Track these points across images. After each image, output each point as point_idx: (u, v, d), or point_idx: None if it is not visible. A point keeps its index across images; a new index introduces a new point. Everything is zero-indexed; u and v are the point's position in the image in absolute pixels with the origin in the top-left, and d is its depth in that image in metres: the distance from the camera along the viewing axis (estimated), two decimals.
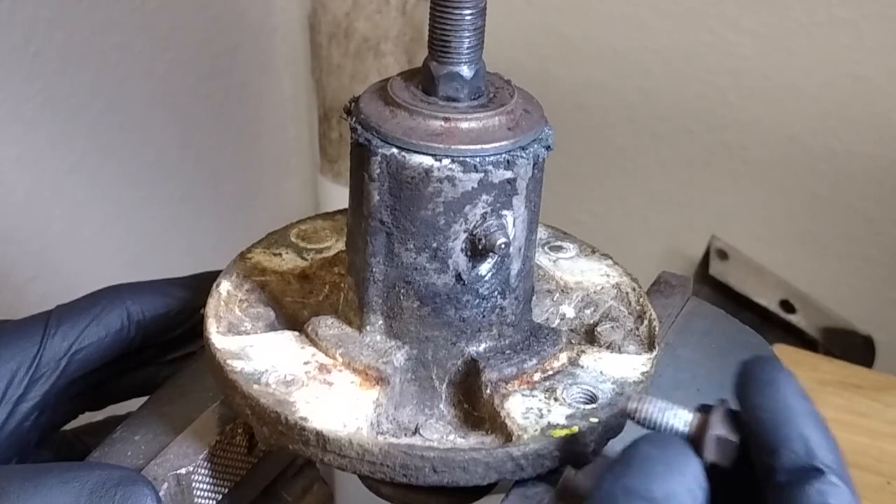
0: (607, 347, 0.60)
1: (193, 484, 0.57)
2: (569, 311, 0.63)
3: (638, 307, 0.63)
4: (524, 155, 0.54)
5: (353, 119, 0.55)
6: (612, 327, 0.61)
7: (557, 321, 0.62)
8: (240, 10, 1.38)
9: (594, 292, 0.64)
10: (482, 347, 0.57)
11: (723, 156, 1.38)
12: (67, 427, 0.69)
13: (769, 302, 1.34)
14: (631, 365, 0.58)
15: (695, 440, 0.48)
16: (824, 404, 1.04)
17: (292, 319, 0.61)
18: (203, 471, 0.58)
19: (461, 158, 0.52)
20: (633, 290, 0.64)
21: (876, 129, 1.27)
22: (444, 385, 0.57)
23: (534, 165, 0.54)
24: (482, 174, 0.53)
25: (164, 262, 1.35)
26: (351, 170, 0.56)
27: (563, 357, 0.58)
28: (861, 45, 1.25)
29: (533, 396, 0.56)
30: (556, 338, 0.59)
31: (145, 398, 0.65)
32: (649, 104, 1.40)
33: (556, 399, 0.55)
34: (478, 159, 0.53)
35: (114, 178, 1.25)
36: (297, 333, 0.59)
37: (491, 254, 0.55)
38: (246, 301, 0.62)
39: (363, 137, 0.54)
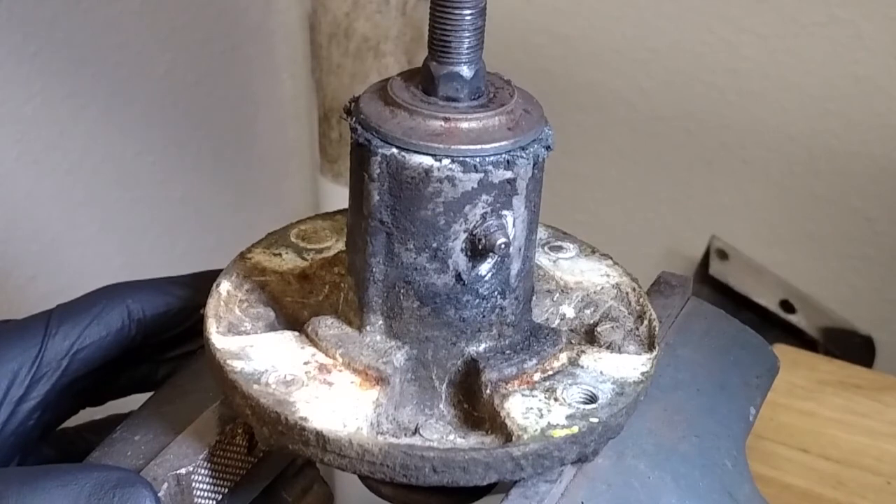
0: (607, 347, 0.60)
1: (193, 484, 0.57)
2: (569, 311, 0.63)
3: (638, 307, 0.63)
4: (524, 155, 0.54)
5: (353, 119, 0.55)
6: (612, 327, 0.61)
7: (557, 321, 0.62)
8: (240, 10, 1.38)
9: (594, 292, 0.64)
10: (482, 347, 0.57)
11: (723, 156, 1.38)
12: (70, 424, 0.69)
13: (769, 302, 1.34)
14: (631, 365, 0.58)
15: None
16: (824, 404, 1.05)
17: (292, 319, 0.61)
18: (203, 471, 0.58)
19: (461, 158, 0.52)
20: (633, 290, 0.64)
21: (876, 129, 1.28)
22: (444, 385, 0.57)
23: (534, 165, 0.54)
24: (482, 174, 0.53)
25: (164, 262, 1.35)
26: (351, 170, 0.56)
27: (563, 357, 0.58)
28: (861, 45, 1.25)
29: (533, 396, 0.56)
30: (556, 338, 0.59)
31: (144, 395, 0.65)
32: (649, 104, 1.40)
33: (556, 399, 0.55)
34: (478, 159, 0.53)
35: (114, 178, 1.25)
36: (297, 333, 0.59)
37: (491, 254, 0.55)
38: (246, 301, 0.62)
39: (363, 137, 0.54)
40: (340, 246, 0.65)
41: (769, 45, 1.30)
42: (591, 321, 0.62)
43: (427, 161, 0.52)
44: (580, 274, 0.66)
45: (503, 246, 0.54)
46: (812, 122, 1.31)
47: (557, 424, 0.54)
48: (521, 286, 0.58)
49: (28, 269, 1.17)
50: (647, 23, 1.36)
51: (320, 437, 0.52)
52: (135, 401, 0.65)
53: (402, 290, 0.56)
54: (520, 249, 0.56)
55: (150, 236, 1.34)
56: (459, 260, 0.55)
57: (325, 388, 0.55)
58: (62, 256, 1.21)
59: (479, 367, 0.56)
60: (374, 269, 0.56)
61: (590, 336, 0.61)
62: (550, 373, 0.57)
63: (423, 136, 0.53)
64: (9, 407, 0.61)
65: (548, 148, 0.55)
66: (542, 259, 0.66)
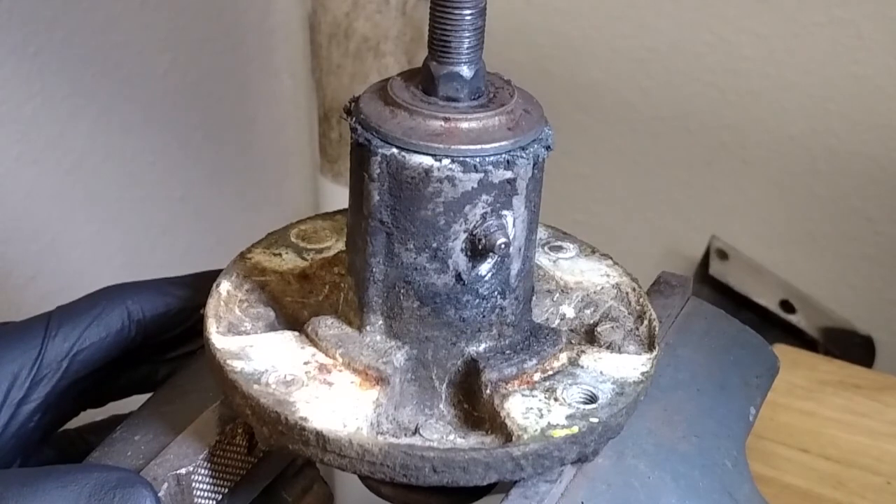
0: (607, 347, 0.60)
1: (193, 484, 0.57)
2: (569, 311, 0.63)
3: (638, 307, 0.63)
4: (524, 155, 0.54)
5: (353, 119, 0.55)
6: (612, 327, 0.61)
7: (557, 321, 0.62)
8: (240, 10, 1.38)
9: (594, 292, 0.64)
10: (482, 347, 0.57)
11: (723, 156, 1.38)
12: (71, 425, 0.69)
13: (769, 302, 1.34)
14: (631, 365, 0.58)
15: None
16: (824, 404, 1.05)
17: (292, 319, 0.61)
18: (203, 471, 0.58)
19: (461, 158, 0.52)
20: (633, 290, 0.64)
21: (876, 129, 1.28)
22: (444, 385, 0.57)
23: (534, 165, 0.54)
24: (482, 174, 0.53)
25: (164, 262, 1.35)
26: (351, 170, 0.56)
27: (563, 357, 0.58)
28: (861, 45, 1.25)
29: (533, 396, 0.56)
30: (556, 338, 0.59)
31: (144, 395, 0.65)
32: (649, 104, 1.40)
33: (556, 399, 0.55)
34: (478, 159, 0.53)
35: (114, 178, 1.25)
36: (297, 333, 0.59)
37: (491, 254, 0.55)
38: (246, 301, 0.62)
39: (363, 137, 0.54)
40: (340, 246, 0.65)
41: (769, 45, 1.30)
42: (591, 321, 0.62)
43: (427, 161, 0.53)
44: (580, 274, 0.66)
45: (503, 246, 0.54)
46: (812, 122, 1.31)
47: (557, 424, 0.54)
48: (521, 286, 0.58)
49: (28, 269, 1.17)
50: (647, 23, 1.36)
51: (320, 437, 0.52)
52: (135, 402, 0.65)
53: (402, 290, 0.56)
54: (520, 249, 0.56)
55: (150, 236, 1.34)
56: (459, 260, 0.55)
57: (325, 388, 0.55)
58: (62, 256, 1.21)
59: (479, 367, 0.56)
60: (374, 269, 0.56)
61: (590, 336, 0.61)
62: (550, 373, 0.57)
63: (423, 136, 0.53)
64: (9, 409, 0.61)
65: (548, 148, 0.55)
66: (542, 259, 0.66)
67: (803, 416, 1.01)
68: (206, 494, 0.58)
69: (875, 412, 1.01)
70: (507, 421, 0.54)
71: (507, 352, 0.57)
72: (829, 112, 1.29)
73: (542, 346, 0.58)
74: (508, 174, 0.53)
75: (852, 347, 1.33)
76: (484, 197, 0.53)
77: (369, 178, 0.54)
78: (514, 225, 0.55)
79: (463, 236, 0.54)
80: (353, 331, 0.58)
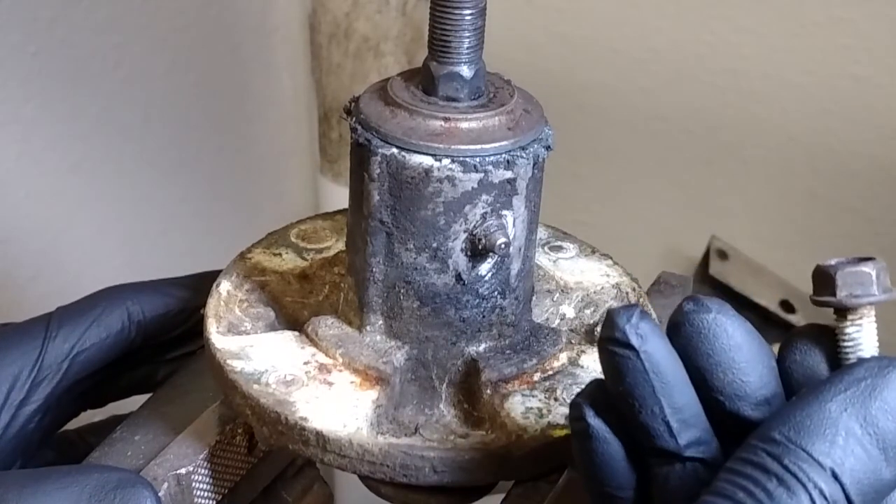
0: None
1: (193, 484, 0.57)
2: (569, 311, 0.63)
3: None
4: (524, 155, 0.54)
5: (353, 119, 0.55)
6: None
7: (557, 321, 0.62)
8: (240, 10, 1.38)
9: (594, 292, 0.64)
10: (482, 347, 0.57)
11: (723, 156, 1.38)
12: (70, 426, 0.69)
13: (769, 302, 1.34)
14: None
15: None
16: None
17: (292, 319, 0.61)
18: (203, 471, 0.58)
19: (461, 158, 0.52)
20: (633, 290, 0.64)
21: (876, 129, 1.28)
22: (444, 385, 0.57)
23: (534, 165, 0.54)
24: (482, 174, 0.53)
25: (164, 262, 1.35)
26: (351, 170, 0.56)
27: (563, 357, 0.58)
28: (861, 45, 1.25)
29: (533, 396, 0.56)
30: (556, 338, 0.59)
31: (144, 396, 0.65)
32: (649, 104, 1.40)
33: (556, 399, 0.55)
34: (478, 159, 0.53)
35: (114, 178, 1.25)
36: (297, 333, 0.59)
37: (491, 254, 0.55)
38: (246, 301, 0.62)
39: (363, 137, 0.54)
40: (340, 246, 0.65)
41: (769, 45, 1.30)
42: (591, 321, 0.62)
43: (427, 161, 0.53)
44: (580, 274, 0.66)
45: (503, 246, 0.54)
46: (812, 122, 1.31)
47: (557, 424, 0.54)
48: (521, 286, 0.58)
49: (28, 269, 1.17)
50: (647, 23, 1.36)
51: (320, 437, 0.52)
52: (135, 402, 0.65)
53: (402, 290, 0.56)
54: (520, 249, 0.56)
55: (150, 236, 1.34)
56: (459, 260, 0.55)
57: (325, 388, 0.55)
58: (62, 256, 1.21)
59: (479, 367, 0.56)
60: (374, 269, 0.56)
61: (590, 336, 0.61)
62: (550, 373, 0.57)
63: (423, 136, 0.53)
64: (10, 411, 0.61)
65: (548, 148, 0.55)
66: (542, 259, 0.66)
67: None
68: (206, 494, 0.58)
69: None
70: (507, 421, 0.54)
71: (507, 352, 0.57)
72: (829, 112, 1.29)
73: (542, 346, 0.58)
74: (508, 174, 0.53)
75: None
76: (484, 197, 0.53)
77: (369, 178, 0.54)
78: (514, 225, 0.55)
79: (463, 236, 0.54)
80: (353, 331, 0.58)
